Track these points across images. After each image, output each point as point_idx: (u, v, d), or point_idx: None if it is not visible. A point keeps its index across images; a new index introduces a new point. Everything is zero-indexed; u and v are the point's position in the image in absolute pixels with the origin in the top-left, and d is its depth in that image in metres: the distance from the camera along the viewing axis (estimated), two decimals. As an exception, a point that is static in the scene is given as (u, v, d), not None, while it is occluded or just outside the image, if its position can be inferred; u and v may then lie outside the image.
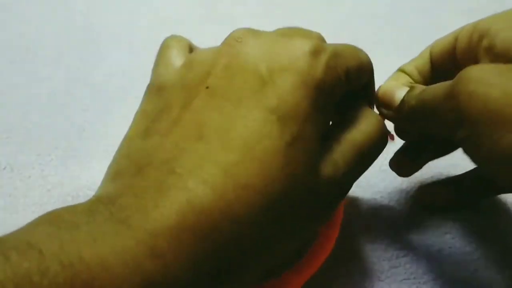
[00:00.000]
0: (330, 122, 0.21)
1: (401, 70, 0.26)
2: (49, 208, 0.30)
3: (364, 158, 0.21)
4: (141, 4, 0.44)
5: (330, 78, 0.19)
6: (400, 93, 0.23)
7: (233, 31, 0.20)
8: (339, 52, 0.21)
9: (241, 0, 0.44)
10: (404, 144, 0.28)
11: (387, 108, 0.24)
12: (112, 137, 0.34)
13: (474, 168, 0.28)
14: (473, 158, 0.21)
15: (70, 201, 0.29)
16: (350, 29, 0.41)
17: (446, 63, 0.25)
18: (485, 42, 0.22)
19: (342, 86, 0.20)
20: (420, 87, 0.23)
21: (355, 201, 0.29)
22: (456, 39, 0.24)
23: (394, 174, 0.30)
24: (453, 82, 0.20)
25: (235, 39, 0.20)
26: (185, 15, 0.43)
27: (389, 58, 0.39)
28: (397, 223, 0.28)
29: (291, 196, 0.17)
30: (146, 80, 0.38)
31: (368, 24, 0.42)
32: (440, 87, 0.21)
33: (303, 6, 0.44)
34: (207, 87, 0.19)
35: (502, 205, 0.29)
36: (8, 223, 0.27)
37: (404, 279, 0.26)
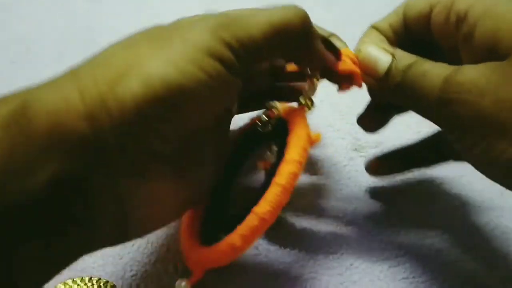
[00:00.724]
0: None
1: (374, 27, 0.25)
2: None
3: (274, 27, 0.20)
4: (141, 4, 0.44)
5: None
6: (383, 63, 0.23)
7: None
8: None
9: (241, 0, 0.45)
10: (371, 101, 0.27)
11: (369, 76, 0.23)
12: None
13: (425, 139, 0.28)
14: (464, 158, 0.21)
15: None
16: (349, 29, 0.41)
17: (419, 28, 0.24)
18: (463, 29, 0.21)
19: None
20: (404, 58, 0.22)
21: (353, 201, 0.29)
22: (431, 9, 0.23)
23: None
24: (443, 86, 0.20)
25: None
26: (185, 15, 0.43)
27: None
28: (395, 223, 0.28)
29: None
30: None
31: (367, 24, 0.42)
32: (430, 81, 0.21)
33: (302, 6, 0.44)
34: None
35: (501, 205, 0.29)
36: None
37: (403, 278, 0.26)
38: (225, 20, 0.20)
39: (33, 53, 0.40)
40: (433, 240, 0.27)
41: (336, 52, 0.24)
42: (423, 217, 0.28)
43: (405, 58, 0.22)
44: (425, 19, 0.23)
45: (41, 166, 0.16)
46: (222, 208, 0.26)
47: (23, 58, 0.39)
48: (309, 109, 0.25)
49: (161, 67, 0.18)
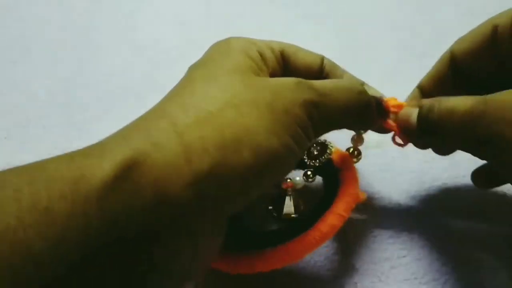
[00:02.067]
0: None
1: (418, 87, 0.27)
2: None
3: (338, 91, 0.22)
4: (141, 4, 0.44)
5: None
6: (414, 115, 0.24)
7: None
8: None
9: (241, 0, 0.44)
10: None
11: (410, 133, 0.24)
12: (112, 136, 0.34)
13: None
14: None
15: (69, 201, 0.28)
16: (350, 28, 0.41)
17: (478, 59, 0.24)
18: None
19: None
20: (429, 103, 0.23)
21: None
22: (494, 28, 0.23)
23: (393, 174, 0.30)
24: (467, 115, 0.21)
25: None
26: (185, 15, 0.43)
27: (389, 57, 0.39)
28: (396, 224, 0.28)
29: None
30: (146, 80, 0.38)
31: (368, 24, 0.42)
32: (460, 105, 0.21)
33: (302, 6, 0.44)
34: None
35: (502, 206, 0.29)
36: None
37: (405, 280, 0.26)
38: (316, 98, 0.21)
39: (33, 53, 0.39)
40: (435, 240, 0.27)
41: (385, 114, 0.25)
42: (425, 218, 0.28)
43: (430, 102, 0.23)
44: (486, 42, 0.24)
45: (141, 236, 0.16)
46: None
47: (23, 58, 0.39)
48: (357, 160, 0.27)
49: (268, 138, 0.19)
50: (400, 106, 0.25)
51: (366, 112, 0.24)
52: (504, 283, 0.25)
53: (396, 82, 0.36)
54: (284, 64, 0.24)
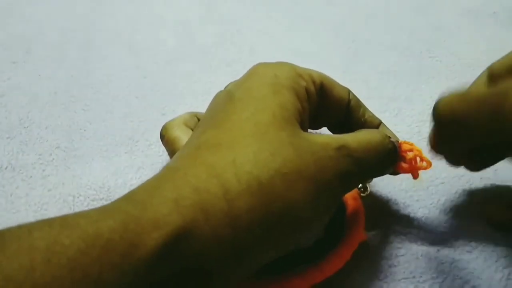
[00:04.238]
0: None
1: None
2: (50, 207, 0.30)
3: (370, 149, 0.23)
4: (141, 4, 0.44)
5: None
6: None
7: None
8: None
9: (241, 1, 0.45)
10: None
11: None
12: (113, 136, 0.34)
13: None
14: None
15: (71, 201, 0.29)
16: (349, 29, 0.41)
17: None
18: None
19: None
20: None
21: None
22: None
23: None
24: (498, 97, 0.21)
25: None
26: (185, 15, 0.43)
27: (389, 57, 0.39)
28: (395, 222, 0.28)
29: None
30: (146, 80, 0.38)
31: (367, 24, 0.42)
32: (477, 97, 0.22)
33: (302, 6, 0.44)
34: None
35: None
36: (9, 222, 0.27)
37: (403, 278, 0.26)
38: (353, 168, 0.21)
39: (33, 53, 0.40)
40: (433, 239, 0.27)
41: (399, 158, 0.26)
42: (423, 217, 0.28)
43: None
44: None
45: None
46: None
47: (23, 58, 0.39)
48: (364, 194, 0.28)
49: (308, 213, 0.20)
50: (412, 150, 0.25)
51: (391, 165, 0.25)
52: (502, 282, 0.26)
53: (396, 82, 0.37)
54: (321, 96, 0.24)
